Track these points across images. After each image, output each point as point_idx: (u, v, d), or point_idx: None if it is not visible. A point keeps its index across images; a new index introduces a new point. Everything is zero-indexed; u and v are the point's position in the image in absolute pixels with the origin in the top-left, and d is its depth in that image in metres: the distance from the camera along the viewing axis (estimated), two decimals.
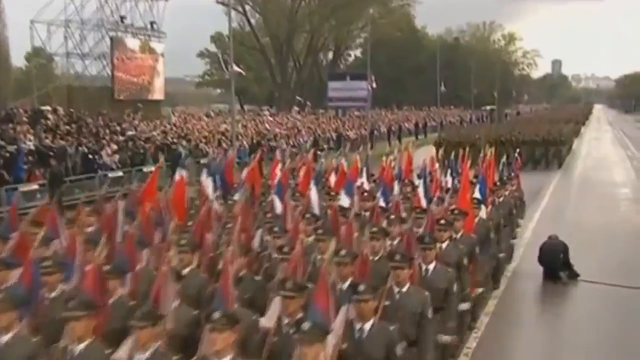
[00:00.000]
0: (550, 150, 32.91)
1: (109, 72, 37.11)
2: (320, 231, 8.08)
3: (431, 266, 7.40)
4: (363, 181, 13.60)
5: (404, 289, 6.49)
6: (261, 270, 7.63)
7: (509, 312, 11.32)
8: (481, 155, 15.60)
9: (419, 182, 12.02)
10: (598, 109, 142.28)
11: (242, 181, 13.25)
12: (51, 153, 20.96)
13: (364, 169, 14.31)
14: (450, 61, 75.94)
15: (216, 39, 74.47)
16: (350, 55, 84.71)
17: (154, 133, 28.98)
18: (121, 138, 24.96)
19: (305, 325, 5.02)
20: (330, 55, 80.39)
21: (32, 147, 21.37)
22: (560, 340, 10.26)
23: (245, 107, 77.07)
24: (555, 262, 13.09)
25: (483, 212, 10.96)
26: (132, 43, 38.24)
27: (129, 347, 5.16)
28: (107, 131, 25.77)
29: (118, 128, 26.83)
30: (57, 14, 36.85)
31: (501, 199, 12.98)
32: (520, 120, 59.28)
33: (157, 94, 39.73)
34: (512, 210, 13.22)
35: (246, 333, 5.55)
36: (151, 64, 39.02)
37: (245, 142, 33.57)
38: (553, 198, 23.54)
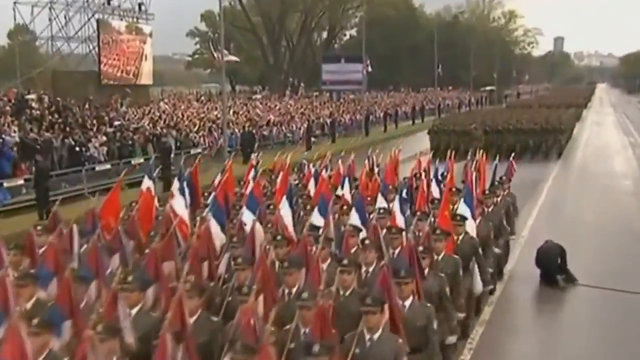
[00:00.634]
0: (549, 140, 32.68)
1: (95, 56, 37.03)
2: (285, 264, 7.52)
3: (408, 302, 6.93)
4: (344, 192, 12.60)
5: (376, 336, 6.11)
6: (223, 307, 7.10)
7: (504, 319, 11.44)
8: (469, 157, 15.46)
9: (394, 197, 11.14)
10: (601, 89, 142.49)
11: (214, 189, 12.48)
12: (37, 146, 21.03)
13: (346, 179, 13.24)
14: (449, 40, 75.87)
15: (206, 17, 74.21)
16: (345, 35, 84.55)
17: (143, 122, 29.02)
18: (109, 129, 24.99)
19: None
20: (325, 35, 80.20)
21: (17, 140, 21.42)
22: (557, 350, 10.40)
23: (237, 87, 77.01)
24: (552, 266, 13.28)
25: (469, 226, 10.32)
26: (119, 25, 38.13)
27: None
28: (94, 121, 25.80)
29: (106, 118, 26.85)
30: None
31: (491, 208, 12.39)
32: (518, 105, 59.12)
33: (145, 78, 39.67)
34: (502, 220, 12.60)
35: None
36: (139, 47, 38.93)
37: (236, 130, 33.65)
38: (551, 192, 23.62)
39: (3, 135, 21.01)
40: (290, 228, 10.22)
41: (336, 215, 10.86)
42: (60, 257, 8.11)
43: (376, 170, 15.15)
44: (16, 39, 49.66)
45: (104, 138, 24.11)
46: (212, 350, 6.44)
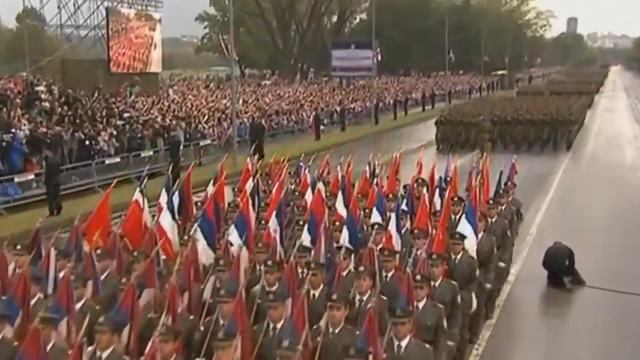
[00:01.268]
0: (558, 131, 32.29)
1: (104, 44, 37.13)
2: (270, 296, 7.14)
3: (404, 342, 6.66)
4: (337, 206, 11.96)
5: None
6: (203, 347, 6.75)
7: (510, 324, 11.52)
8: (473, 163, 14.88)
9: (390, 216, 10.55)
10: (614, 72, 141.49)
11: (206, 200, 11.73)
12: (47, 140, 21.23)
13: (340, 192, 12.49)
14: (460, 24, 75.50)
15: (215, 1, 74.13)
16: (355, 19, 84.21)
17: (152, 113, 29.16)
18: (119, 122, 25.16)
19: None
20: (334, 19, 79.94)
21: (27, 132, 21.62)
22: (563, 356, 10.47)
23: (246, 71, 77.02)
24: (560, 268, 13.36)
25: (469, 243, 10.01)
26: (128, 12, 38.17)
27: None
28: (104, 113, 25.96)
29: (115, 110, 27.00)
30: None
31: (495, 219, 12.03)
32: (529, 91, 58.61)
33: (155, 66, 39.74)
34: (506, 231, 12.12)
35: None
36: (148, 35, 38.99)
37: (245, 120, 33.75)
38: (561, 187, 23.50)
39: (13, 130, 21.20)
40: (278, 248, 10.06)
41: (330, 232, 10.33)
42: (30, 288, 7.72)
43: (375, 180, 14.25)
44: (24, 23, 49.81)
45: (114, 132, 24.28)
46: None
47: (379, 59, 46.66)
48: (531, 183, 22.71)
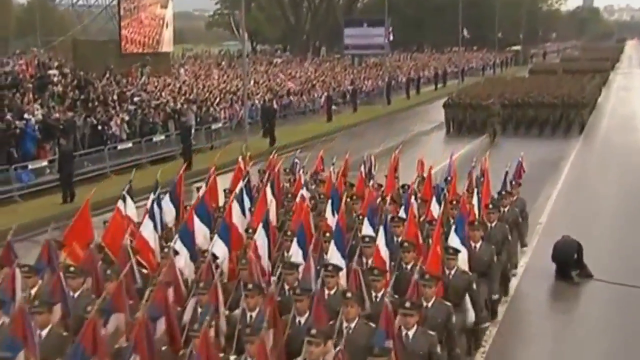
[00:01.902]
0: (570, 114, 31.74)
1: (116, 24, 37.20)
2: (247, 330, 6.79)
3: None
4: (326, 216, 11.30)
5: None
6: None
7: (518, 322, 11.58)
8: (473, 163, 14.32)
9: (379, 229, 9.84)
10: (631, 46, 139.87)
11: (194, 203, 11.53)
12: (60, 126, 21.47)
13: (332, 197, 11.71)
14: None
15: None
16: None
17: (164, 96, 29.31)
18: (130, 107, 25.36)
19: None
20: None
21: (40, 118, 21.86)
22: (571, 354, 10.52)
23: (258, 47, 76.88)
24: (568, 262, 13.46)
25: (462, 258, 9.63)
26: None
27: None
28: (116, 97, 26.17)
29: (127, 93, 27.18)
30: None
31: (494, 223, 11.60)
32: (542, 70, 58.05)
33: (166, 45, 39.82)
34: (506, 236, 11.69)
35: None
36: (160, 14, 39.01)
37: (257, 102, 33.85)
38: (572, 173, 23.33)
39: (26, 116, 21.44)
40: (265, 263, 9.58)
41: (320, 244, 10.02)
42: None
43: (371, 181, 13.70)
44: None
45: (126, 117, 24.50)
46: None
47: (391, 38, 46.49)
48: (542, 169, 22.68)
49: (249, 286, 7.81)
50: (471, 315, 9.59)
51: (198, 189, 12.72)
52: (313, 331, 6.57)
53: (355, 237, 10.45)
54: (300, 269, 8.87)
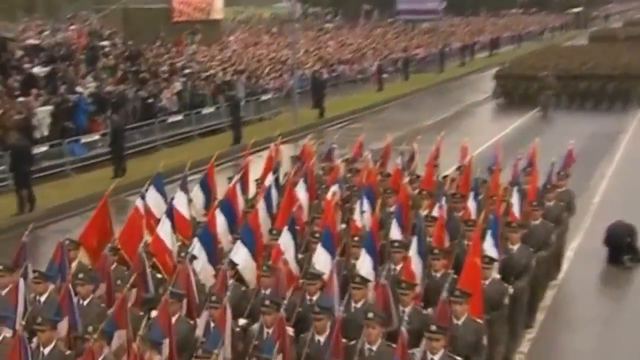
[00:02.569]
0: (629, 86, 30.53)
1: None
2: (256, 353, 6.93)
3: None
4: (355, 218, 10.64)
5: None
6: None
7: (567, 306, 11.60)
8: (519, 153, 13.66)
9: (411, 244, 9.12)
10: None
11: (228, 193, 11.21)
12: (112, 100, 21.94)
13: (365, 195, 10.96)
14: None
15: None
16: None
17: (213, 67, 29.60)
18: (180, 80, 25.71)
19: None
20: None
21: (92, 91, 22.35)
22: (619, 342, 10.45)
23: (310, 10, 76.45)
24: (621, 246, 13.32)
25: (496, 268, 9.23)
26: None
27: None
28: (166, 68, 26.55)
29: (178, 64, 27.54)
30: None
31: (538, 222, 11.05)
32: (602, 36, 56.13)
33: (216, 12, 40.02)
34: (549, 235, 11.07)
35: None
36: None
37: (306, 71, 33.90)
38: (629, 149, 22.74)
39: (78, 89, 21.95)
40: (292, 266, 9.26)
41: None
42: None
43: (406, 178, 12.64)
44: None
45: (176, 87, 24.86)
46: None
47: (445, 4, 45.80)
48: (597, 145, 22.30)
49: (267, 302, 7.61)
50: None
51: (230, 179, 12.26)
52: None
53: (387, 236, 10.17)
54: (327, 276, 8.51)
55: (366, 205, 10.73)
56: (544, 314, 11.26)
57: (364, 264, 8.90)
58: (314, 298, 8.21)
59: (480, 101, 33.40)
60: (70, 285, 8.01)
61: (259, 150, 22.83)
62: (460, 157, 14.14)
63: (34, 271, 8.74)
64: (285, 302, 7.75)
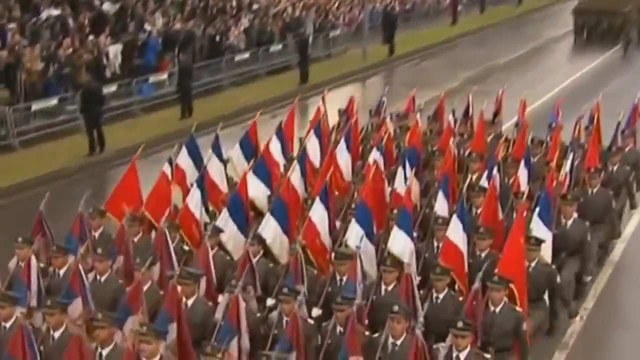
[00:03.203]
0: None
1: None
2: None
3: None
4: (396, 185, 9.99)
5: None
6: None
7: (635, 262, 11.20)
8: (583, 109, 12.71)
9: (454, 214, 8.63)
10: None
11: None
12: (180, 38, 22.10)
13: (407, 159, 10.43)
14: None
15: None
16: None
17: (281, 2, 29.37)
18: (248, 16, 25.67)
19: None
20: None
21: (161, 29, 22.54)
22: None
23: None
24: None
25: (546, 246, 8.75)
26: None
27: None
28: (234, 4, 26.52)
29: (245, 1, 27.44)
30: None
31: (596, 189, 10.43)
32: None
33: None
34: (610, 203, 10.49)
35: None
36: None
37: (378, 4, 33.30)
38: None
39: (147, 27, 22.19)
40: (325, 240, 8.83)
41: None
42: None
43: (455, 138, 11.81)
44: None
45: (243, 24, 24.85)
46: None
47: None
48: None
49: (285, 290, 7.34)
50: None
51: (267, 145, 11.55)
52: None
53: (430, 205, 9.74)
54: (367, 253, 8.24)
55: (409, 172, 10.13)
56: (610, 269, 11.06)
57: (397, 242, 8.46)
58: (345, 279, 7.91)
59: (559, 36, 32.31)
60: (80, 266, 7.73)
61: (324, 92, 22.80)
62: (520, 112, 13.45)
63: (53, 245, 8.70)
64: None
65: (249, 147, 11.73)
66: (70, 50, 19.46)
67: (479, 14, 38.31)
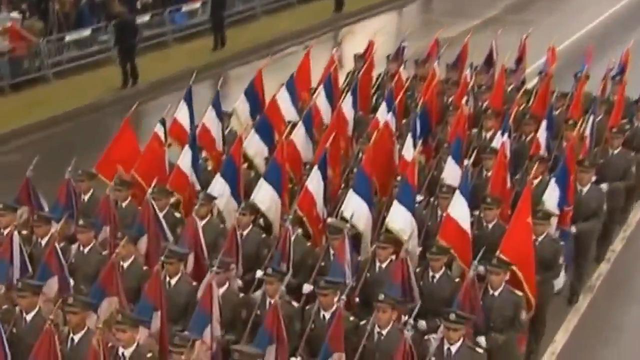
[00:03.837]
0: None
1: None
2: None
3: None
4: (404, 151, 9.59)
5: None
6: None
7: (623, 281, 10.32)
8: (612, 60, 11.82)
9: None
10: None
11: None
12: None
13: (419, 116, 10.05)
14: None
15: None
16: None
17: None
18: None
19: None
20: None
21: None
22: None
23: None
24: None
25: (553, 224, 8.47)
26: None
27: None
28: None
29: None
30: None
31: (617, 151, 9.99)
32: None
33: None
34: (630, 167, 10.05)
35: None
36: None
37: None
38: None
39: None
40: (319, 208, 8.54)
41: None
42: None
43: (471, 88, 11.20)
44: None
45: None
46: None
47: None
48: None
49: (269, 271, 7.11)
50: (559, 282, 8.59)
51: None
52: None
53: (438, 167, 9.39)
54: (364, 225, 8.05)
55: (420, 133, 9.71)
56: (622, 244, 10.77)
57: (396, 218, 8.11)
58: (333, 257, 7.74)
59: None
60: (56, 244, 7.43)
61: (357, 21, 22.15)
62: (550, 57, 12.62)
63: (35, 214, 8.41)
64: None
65: (254, 99, 11.24)
66: None
67: None
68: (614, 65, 12.15)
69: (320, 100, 10.99)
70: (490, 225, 8.29)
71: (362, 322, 6.87)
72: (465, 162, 9.00)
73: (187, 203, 8.94)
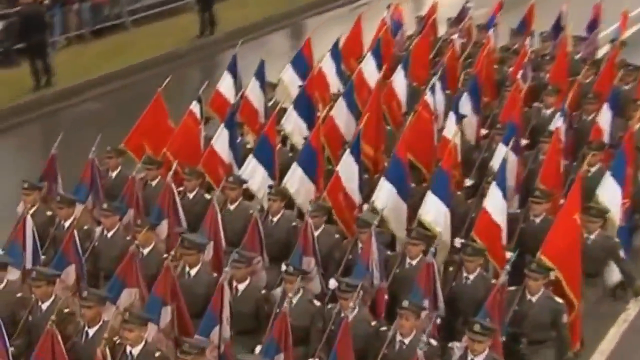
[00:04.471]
0: None
1: None
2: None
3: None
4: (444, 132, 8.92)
5: None
6: None
7: None
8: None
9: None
10: None
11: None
12: None
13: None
14: None
15: None
16: None
17: None
18: None
19: None
20: None
21: None
22: None
23: None
24: None
25: (614, 211, 7.86)
26: None
27: None
28: None
29: None
30: None
31: None
32: None
33: None
34: None
35: None
36: None
37: None
38: None
39: None
40: (355, 196, 8.12)
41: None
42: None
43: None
44: None
45: None
46: None
47: None
48: None
49: (289, 269, 6.88)
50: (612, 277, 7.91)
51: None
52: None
53: (489, 148, 8.67)
54: (397, 215, 7.68)
55: (468, 107, 9.11)
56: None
57: (429, 209, 7.70)
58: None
59: None
60: (75, 233, 7.31)
61: None
62: (622, 25, 11.56)
63: (58, 195, 8.21)
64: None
65: (302, 68, 10.47)
66: None
67: None
68: None
69: (368, 69, 10.09)
70: (537, 220, 7.79)
71: (383, 328, 6.61)
72: (523, 141, 8.47)
73: (219, 185, 8.43)
